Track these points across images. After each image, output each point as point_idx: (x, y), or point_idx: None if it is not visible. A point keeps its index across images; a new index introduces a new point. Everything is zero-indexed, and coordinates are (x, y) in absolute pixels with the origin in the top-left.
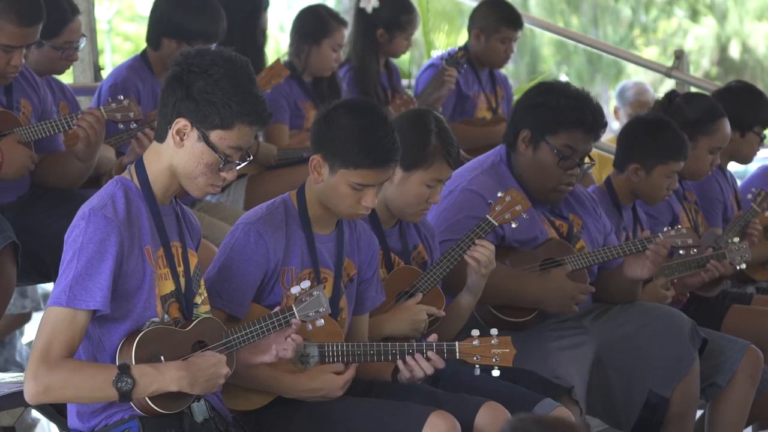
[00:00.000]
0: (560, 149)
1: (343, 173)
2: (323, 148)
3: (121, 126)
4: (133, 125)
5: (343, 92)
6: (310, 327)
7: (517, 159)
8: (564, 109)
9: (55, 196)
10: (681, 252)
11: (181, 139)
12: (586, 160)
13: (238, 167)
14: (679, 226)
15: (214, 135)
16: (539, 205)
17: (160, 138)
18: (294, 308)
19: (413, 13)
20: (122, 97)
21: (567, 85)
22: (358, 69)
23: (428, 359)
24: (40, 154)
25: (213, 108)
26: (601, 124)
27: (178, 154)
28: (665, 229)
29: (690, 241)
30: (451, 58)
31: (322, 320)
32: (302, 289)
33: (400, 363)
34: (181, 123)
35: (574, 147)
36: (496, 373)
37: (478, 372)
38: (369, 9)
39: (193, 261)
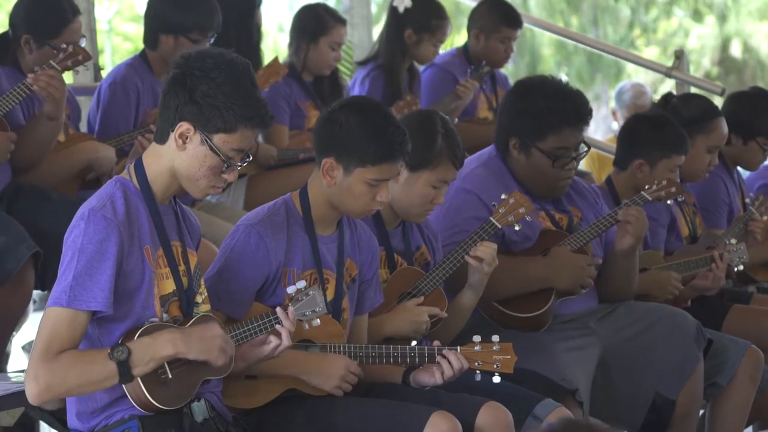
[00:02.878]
0: (552, 152)
1: (359, 172)
2: (335, 150)
3: (75, 70)
4: (137, 130)
5: (355, 91)
6: (307, 326)
7: (512, 162)
8: (545, 113)
9: (55, 197)
10: (668, 202)
11: (184, 143)
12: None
13: (238, 168)
14: (659, 182)
15: (217, 138)
16: (539, 198)
17: (161, 139)
18: (290, 306)
19: (445, 20)
20: (65, 45)
21: (542, 83)
22: (386, 67)
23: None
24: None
25: (216, 112)
26: (585, 113)
27: (180, 157)
28: (645, 186)
29: (673, 189)
30: (476, 72)
31: (318, 320)
32: (298, 289)
33: (433, 370)
34: (184, 127)
35: (565, 146)
36: (496, 379)
37: (479, 377)
38: (401, 8)
39: (193, 260)
